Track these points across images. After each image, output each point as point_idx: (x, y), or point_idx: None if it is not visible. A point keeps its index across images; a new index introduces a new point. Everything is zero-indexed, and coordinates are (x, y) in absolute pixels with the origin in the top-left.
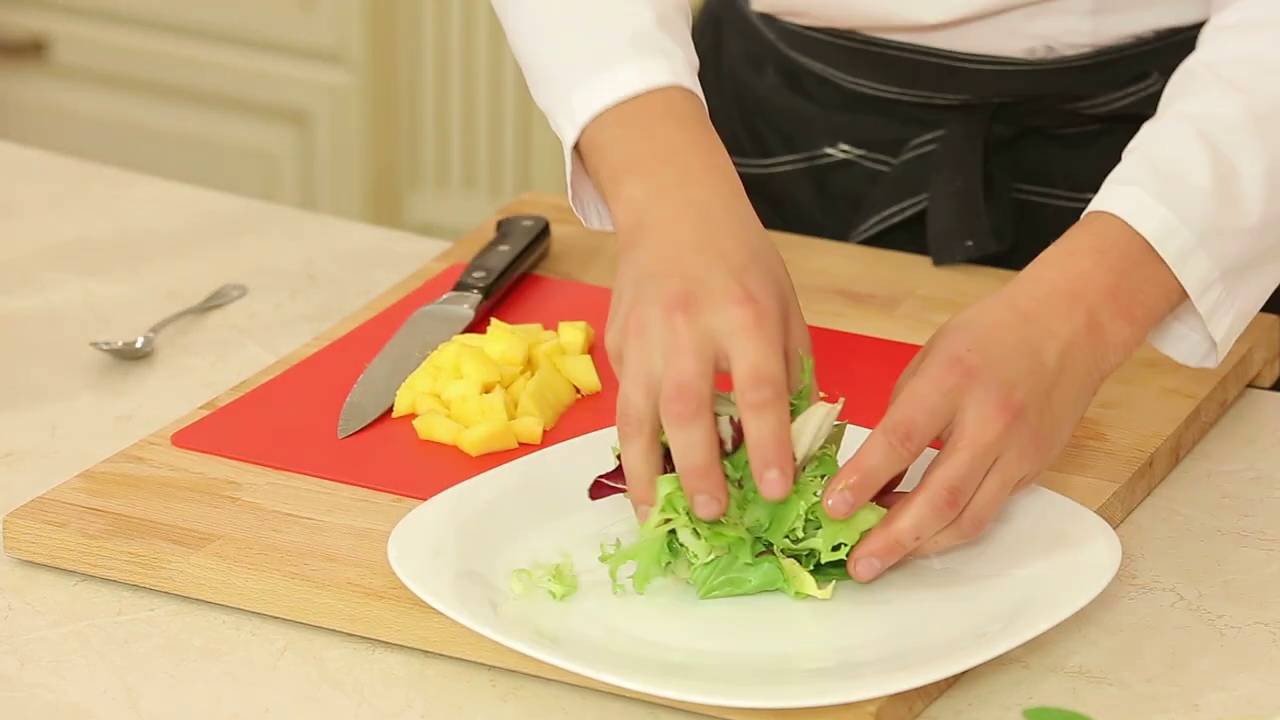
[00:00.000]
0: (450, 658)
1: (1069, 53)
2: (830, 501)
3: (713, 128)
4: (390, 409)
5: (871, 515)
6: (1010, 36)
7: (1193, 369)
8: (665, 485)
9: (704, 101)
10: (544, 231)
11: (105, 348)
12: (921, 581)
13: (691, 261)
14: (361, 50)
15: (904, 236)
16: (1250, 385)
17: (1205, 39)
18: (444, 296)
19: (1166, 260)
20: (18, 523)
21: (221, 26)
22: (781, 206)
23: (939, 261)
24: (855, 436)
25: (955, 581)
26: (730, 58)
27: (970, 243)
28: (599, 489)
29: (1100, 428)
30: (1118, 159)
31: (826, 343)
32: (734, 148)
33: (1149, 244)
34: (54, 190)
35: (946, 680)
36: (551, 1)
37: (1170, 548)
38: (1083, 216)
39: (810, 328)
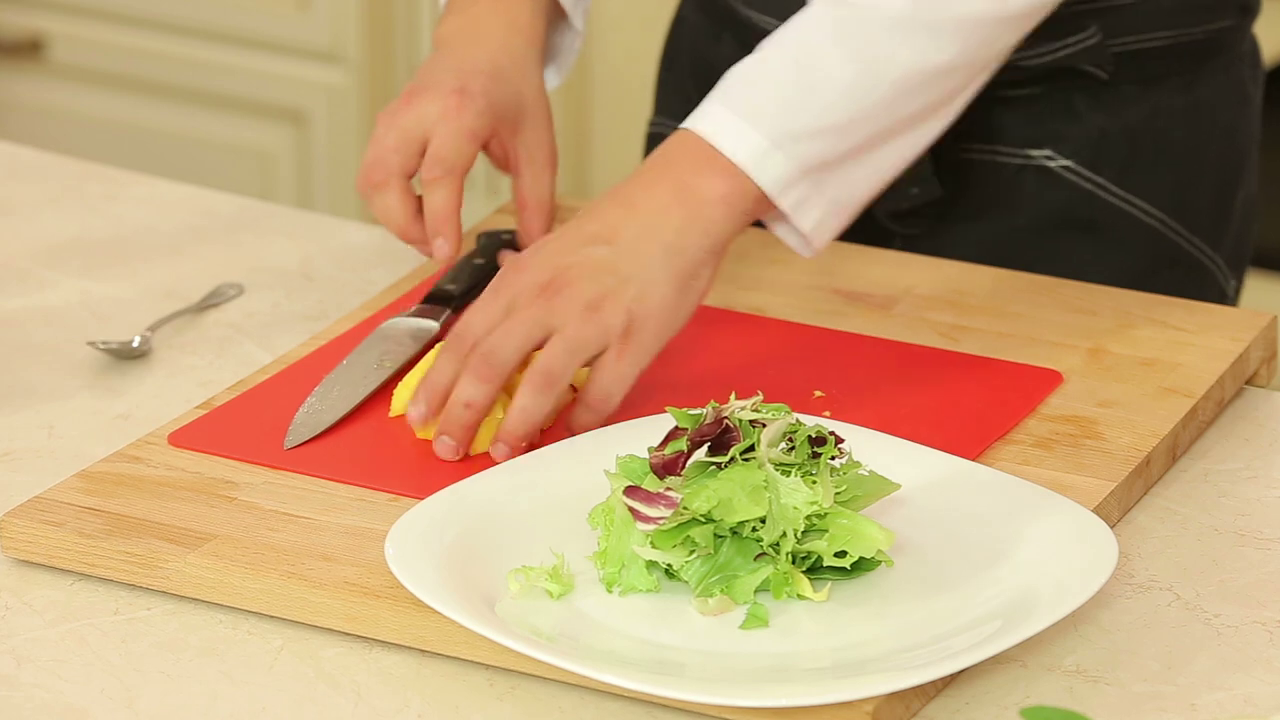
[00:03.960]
0: (447, 657)
1: None
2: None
3: None
4: (341, 420)
5: (880, 533)
6: None
7: (1190, 367)
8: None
9: None
10: (509, 243)
11: (102, 347)
12: (918, 581)
13: (437, 67)
14: (358, 49)
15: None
16: (1247, 384)
17: None
18: (413, 309)
19: (742, 167)
20: (15, 522)
21: (218, 26)
22: None
23: (882, 210)
24: (856, 437)
25: (952, 581)
26: (691, 30)
27: (915, 190)
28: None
29: (1097, 427)
30: (1058, 114)
31: (824, 342)
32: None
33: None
34: (51, 190)
35: (943, 679)
36: None
37: (1167, 547)
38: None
39: (806, 326)
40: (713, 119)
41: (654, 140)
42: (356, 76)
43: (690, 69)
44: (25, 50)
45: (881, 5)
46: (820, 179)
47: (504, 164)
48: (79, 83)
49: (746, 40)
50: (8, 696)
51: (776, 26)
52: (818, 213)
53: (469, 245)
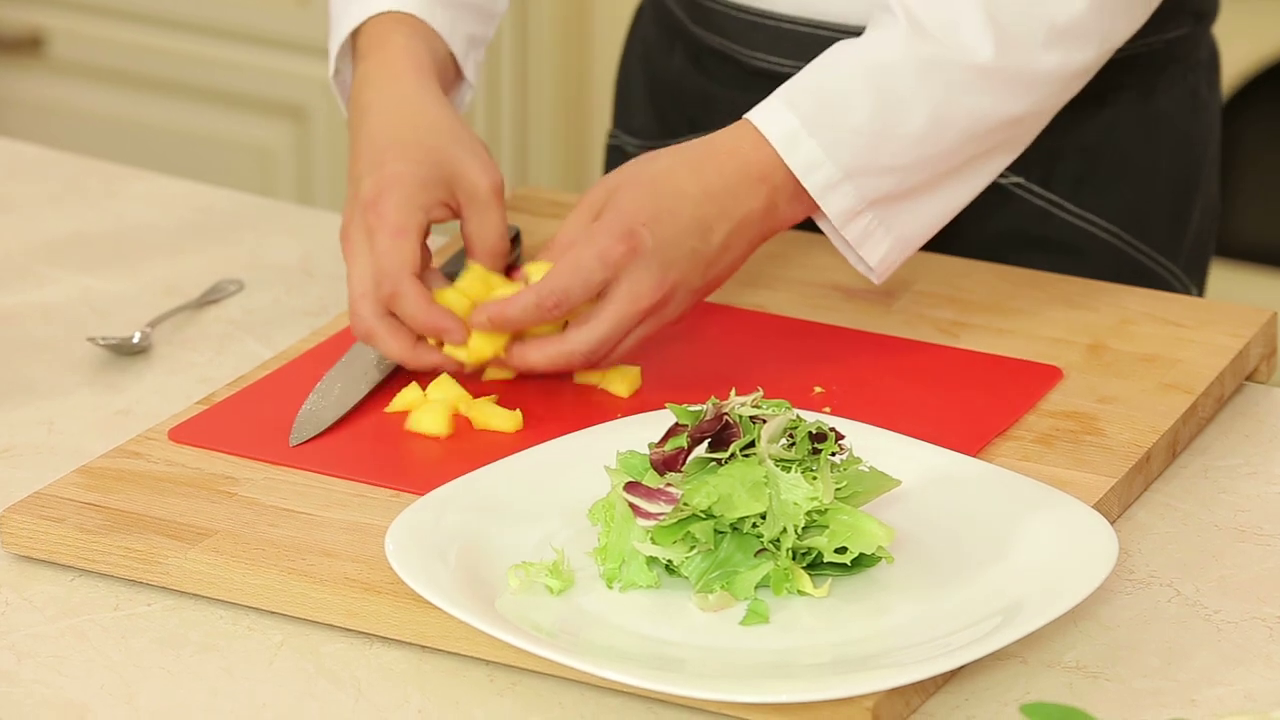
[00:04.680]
0: (448, 653)
1: None
2: (472, 318)
3: (412, 34)
4: (344, 418)
5: (880, 529)
6: None
7: (1190, 364)
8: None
9: (419, 17)
10: (515, 239)
11: (102, 343)
12: (918, 577)
13: (357, 164)
14: None
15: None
16: (1247, 380)
17: None
18: None
19: (811, 194)
20: (15, 518)
21: (219, 21)
22: None
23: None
24: (856, 433)
25: (952, 577)
26: (645, 43)
27: None
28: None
29: (1098, 423)
30: None
31: (824, 338)
32: (643, 131)
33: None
34: (51, 186)
35: (944, 675)
36: None
37: (1167, 543)
38: (749, 114)
39: (806, 322)
40: (786, 132)
41: (613, 153)
42: None
43: (645, 82)
44: (26, 46)
45: (967, 53)
46: (885, 213)
47: (456, 215)
48: (79, 79)
49: (696, 56)
50: (8, 692)
51: (720, 42)
52: (884, 248)
53: (440, 261)
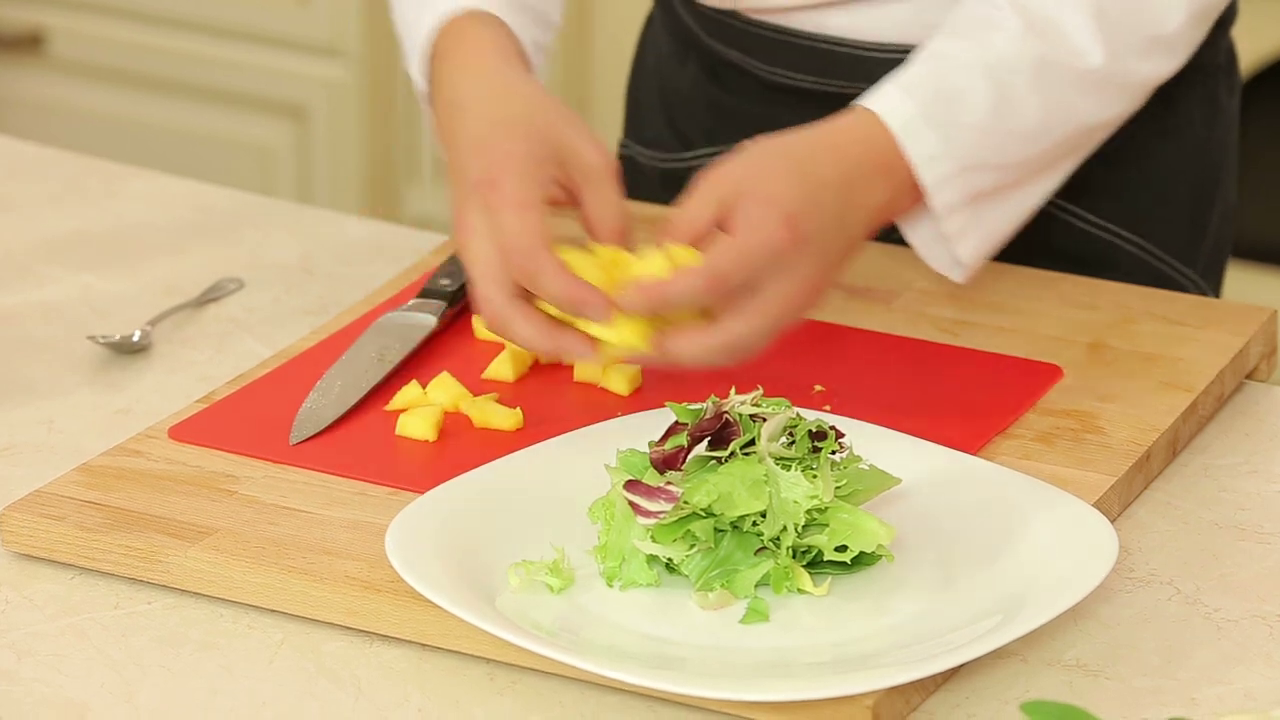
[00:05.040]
0: (448, 651)
1: None
2: (622, 299)
3: (489, 25)
4: (344, 415)
5: (880, 527)
6: (914, 27)
7: (1190, 362)
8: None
9: (494, 14)
10: None
11: (102, 342)
12: (918, 575)
13: (459, 155)
14: (358, 44)
15: None
16: (1247, 379)
17: None
18: (409, 304)
19: (924, 186)
20: (15, 516)
21: (219, 21)
22: None
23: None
24: (856, 431)
25: (952, 575)
26: (658, 53)
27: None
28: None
29: (1097, 421)
30: None
31: (824, 336)
32: (656, 143)
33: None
34: (51, 185)
35: (944, 674)
36: None
37: (1167, 541)
38: (864, 101)
39: (808, 321)
40: (907, 121)
41: (625, 164)
42: (356, 71)
43: (658, 92)
44: (26, 45)
45: (1081, 56)
46: (978, 209)
47: (569, 200)
48: (79, 77)
49: (711, 68)
50: (8, 691)
51: (738, 57)
52: (974, 242)
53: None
